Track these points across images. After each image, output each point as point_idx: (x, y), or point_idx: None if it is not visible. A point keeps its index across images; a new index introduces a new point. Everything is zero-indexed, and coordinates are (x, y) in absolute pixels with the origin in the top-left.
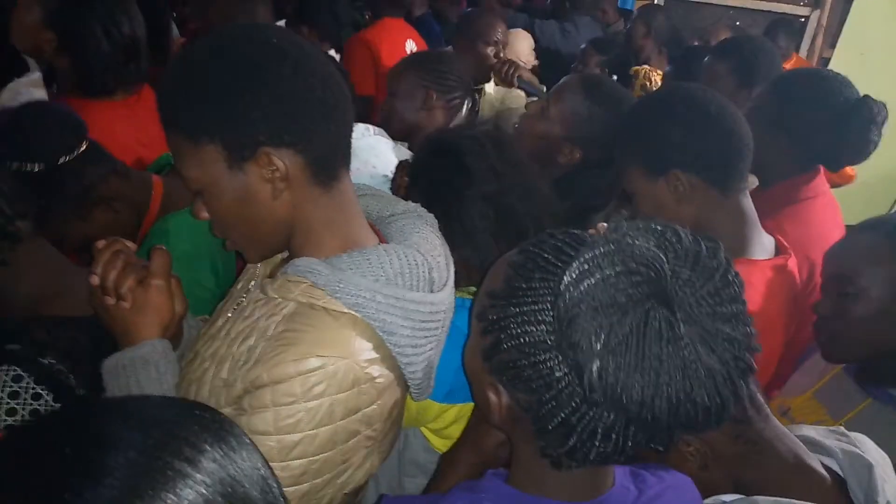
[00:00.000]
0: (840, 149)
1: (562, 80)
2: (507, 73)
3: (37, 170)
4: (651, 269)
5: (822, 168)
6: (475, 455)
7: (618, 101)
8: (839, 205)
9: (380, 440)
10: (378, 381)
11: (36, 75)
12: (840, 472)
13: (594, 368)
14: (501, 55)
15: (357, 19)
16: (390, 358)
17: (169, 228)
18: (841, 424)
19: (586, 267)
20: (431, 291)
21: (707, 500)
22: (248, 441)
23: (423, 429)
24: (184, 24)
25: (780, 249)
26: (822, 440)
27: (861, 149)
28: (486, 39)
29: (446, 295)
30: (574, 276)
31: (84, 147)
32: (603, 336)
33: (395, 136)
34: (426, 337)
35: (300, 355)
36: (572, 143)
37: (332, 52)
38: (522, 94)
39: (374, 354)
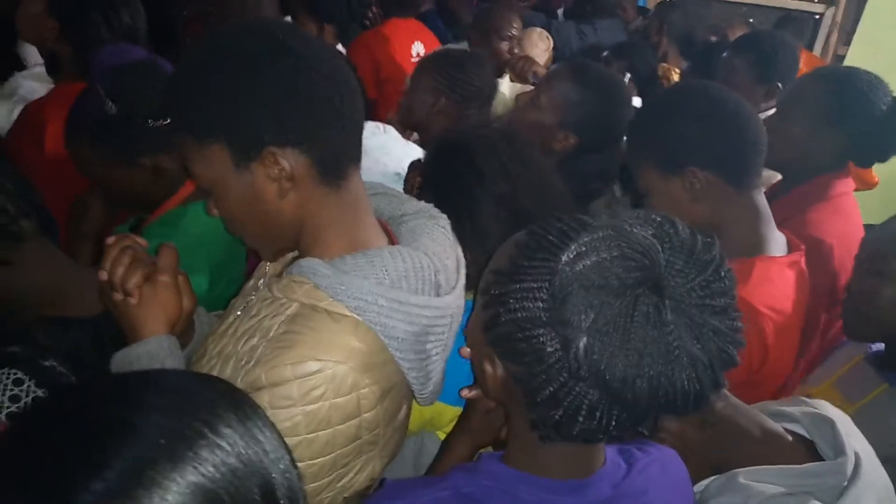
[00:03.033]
0: (877, 147)
1: (549, 69)
2: (521, 69)
3: (111, 112)
4: (646, 256)
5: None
6: (470, 438)
7: (607, 84)
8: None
9: (381, 445)
10: (378, 386)
11: (36, 69)
12: (807, 435)
13: (581, 345)
14: (516, 50)
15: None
16: (392, 363)
17: (186, 212)
18: (856, 409)
19: (584, 249)
20: (438, 295)
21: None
22: (263, 414)
23: (438, 433)
24: (187, 24)
25: (791, 246)
26: (785, 409)
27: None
28: (500, 34)
29: (453, 299)
30: (571, 256)
31: (165, 123)
32: (592, 315)
33: (408, 126)
34: (430, 342)
35: (299, 358)
36: (566, 130)
37: (339, 48)
38: None
39: (374, 359)
